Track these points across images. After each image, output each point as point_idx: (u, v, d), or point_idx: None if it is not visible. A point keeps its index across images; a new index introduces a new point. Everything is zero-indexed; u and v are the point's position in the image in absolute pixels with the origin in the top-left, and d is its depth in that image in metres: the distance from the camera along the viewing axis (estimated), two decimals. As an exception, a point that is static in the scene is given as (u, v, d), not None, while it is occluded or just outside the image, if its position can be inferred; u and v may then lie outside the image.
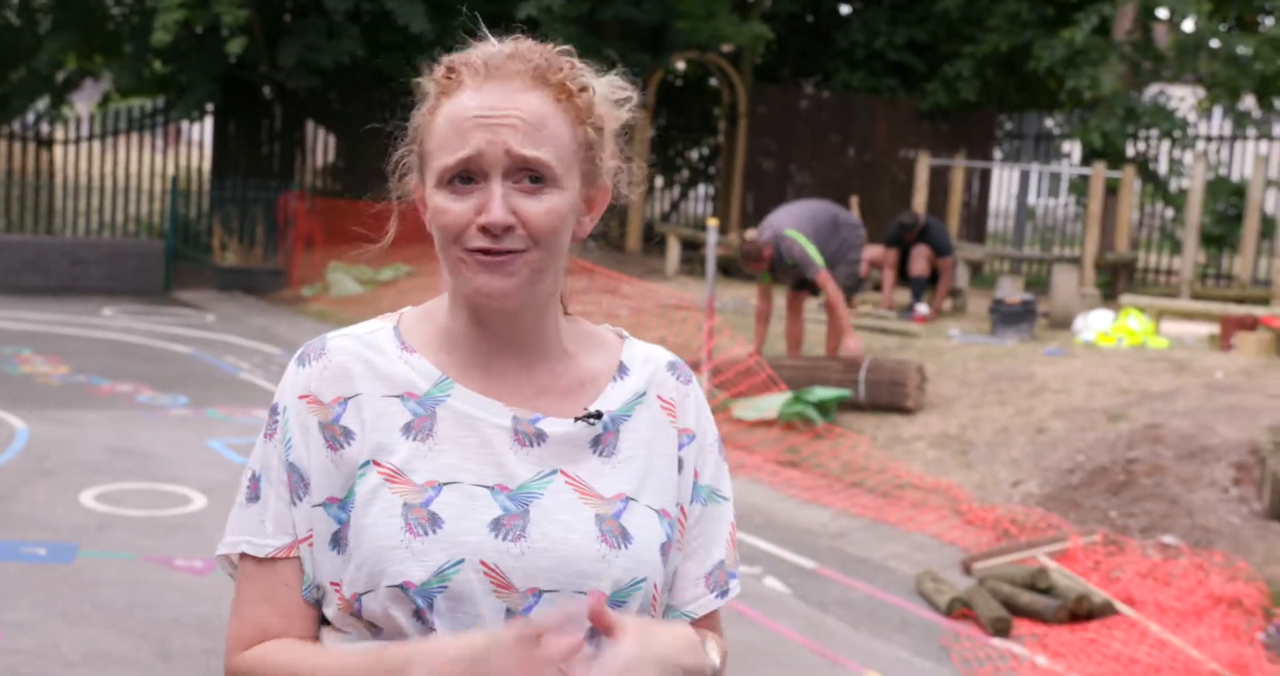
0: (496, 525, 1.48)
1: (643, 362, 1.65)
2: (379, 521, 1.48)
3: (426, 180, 1.53)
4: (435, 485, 1.50)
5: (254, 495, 1.57)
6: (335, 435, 1.53)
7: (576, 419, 1.56)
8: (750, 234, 9.68)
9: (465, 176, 1.48)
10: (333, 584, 1.52)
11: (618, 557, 1.51)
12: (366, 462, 1.51)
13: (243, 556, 1.57)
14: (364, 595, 1.48)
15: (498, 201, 1.47)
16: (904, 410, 8.76)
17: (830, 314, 9.47)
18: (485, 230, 1.48)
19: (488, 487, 1.50)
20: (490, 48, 1.55)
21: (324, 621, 1.57)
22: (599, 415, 1.57)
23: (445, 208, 1.49)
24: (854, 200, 14.78)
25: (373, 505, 1.49)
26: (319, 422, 1.53)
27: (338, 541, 1.51)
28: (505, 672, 1.36)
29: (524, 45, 1.55)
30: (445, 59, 1.56)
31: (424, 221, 1.59)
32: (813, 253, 9.19)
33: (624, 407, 1.60)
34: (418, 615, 1.47)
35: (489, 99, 1.49)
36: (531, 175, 1.49)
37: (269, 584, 1.55)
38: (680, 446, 1.63)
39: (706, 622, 1.66)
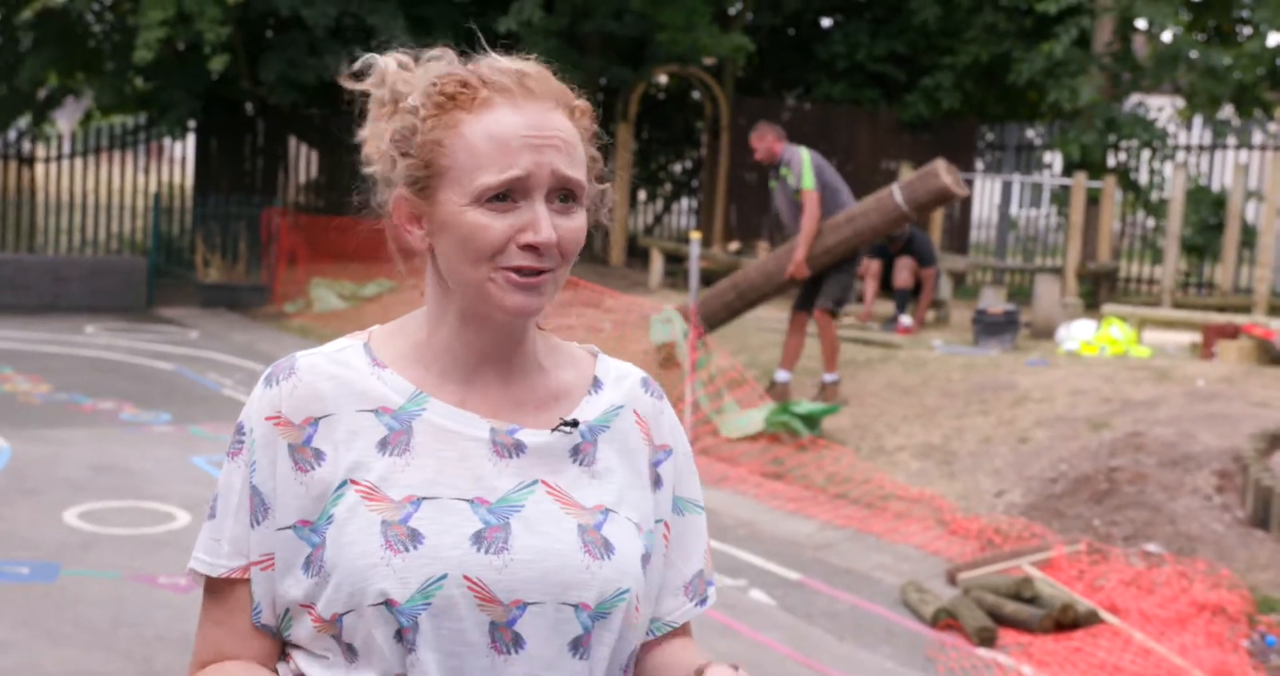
0: (478, 538, 1.48)
1: (617, 378, 1.66)
2: (357, 540, 1.47)
3: (443, 196, 1.50)
4: (414, 500, 1.49)
5: (213, 513, 1.57)
6: (306, 457, 1.52)
7: (554, 428, 1.57)
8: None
9: (504, 195, 1.48)
10: (304, 605, 1.51)
11: (601, 568, 1.51)
12: (343, 482, 1.50)
13: (199, 574, 1.57)
14: (344, 615, 1.47)
15: (546, 221, 1.48)
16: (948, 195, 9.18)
17: (800, 240, 9.26)
18: (530, 248, 1.48)
19: (467, 501, 1.50)
20: (500, 63, 1.54)
21: (293, 644, 1.56)
22: (575, 423, 1.58)
23: (485, 225, 1.48)
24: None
25: (351, 523, 1.48)
26: (289, 445, 1.52)
27: (310, 564, 1.50)
28: None
29: (528, 63, 1.55)
30: (448, 72, 1.53)
31: (402, 234, 1.56)
32: (808, 171, 9.17)
33: (601, 418, 1.60)
34: (399, 636, 1.46)
35: (532, 118, 1.49)
36: (565, 195, 1.50)
37: (223, 605, 1.56)
38: (657, 463, 1.64)
39: (683, 631, 1.68)
